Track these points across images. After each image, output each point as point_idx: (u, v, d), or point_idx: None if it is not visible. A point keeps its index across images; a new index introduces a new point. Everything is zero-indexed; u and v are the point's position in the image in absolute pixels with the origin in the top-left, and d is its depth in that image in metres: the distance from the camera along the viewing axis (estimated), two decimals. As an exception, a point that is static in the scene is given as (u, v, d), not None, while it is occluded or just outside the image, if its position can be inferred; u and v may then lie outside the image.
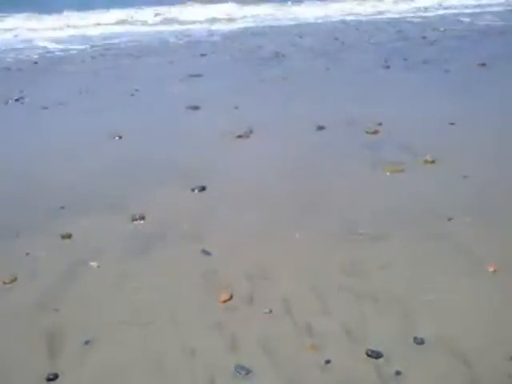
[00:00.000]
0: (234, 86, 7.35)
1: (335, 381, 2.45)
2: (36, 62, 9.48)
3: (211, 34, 12.55)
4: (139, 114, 6.34)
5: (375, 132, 5.35)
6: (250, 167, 4.78)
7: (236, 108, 6.33)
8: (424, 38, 10.56)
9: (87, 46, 11.23)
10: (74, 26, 13.57)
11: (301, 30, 12.45)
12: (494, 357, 2.52)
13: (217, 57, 9.59)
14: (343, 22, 13.52)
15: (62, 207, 4.11)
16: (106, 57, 9.83)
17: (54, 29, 13.07)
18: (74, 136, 5.66)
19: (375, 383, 2.43)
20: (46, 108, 6.64)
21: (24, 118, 6.42)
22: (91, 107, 6.61)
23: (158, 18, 15.45)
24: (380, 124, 5.49)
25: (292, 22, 13.84)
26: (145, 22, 15.02)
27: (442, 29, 11.64)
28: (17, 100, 7.05)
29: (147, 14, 15.97)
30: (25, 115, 6.51)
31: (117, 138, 5.50)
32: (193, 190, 4.31)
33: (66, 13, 15.02)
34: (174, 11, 16.26)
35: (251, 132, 5.51)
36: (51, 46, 11.07)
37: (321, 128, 5.53)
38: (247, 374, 2.49)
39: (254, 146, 5.25)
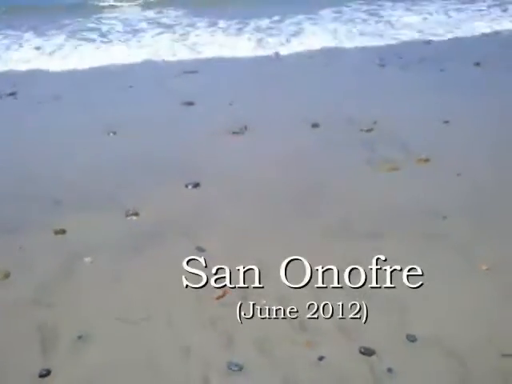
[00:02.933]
0: (228, 83, 7.33)
1: (328, 377, 2.46)
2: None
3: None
4: (133, 110, 6.31)
5: (370, 130, 5.36)
6: (244, 164, 4.77)
7: (230, 104, 6.32)
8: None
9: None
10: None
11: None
12: (486, 354, 2.54)
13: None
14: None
15: (56, 202, 4.10)
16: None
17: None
18: (67, 131, 5.62)
19: (367, 380, 2.45)
20: (39, 103, 6.60)
21: (18, 112, 6.38)
22: (85, 102, 6.56)
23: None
24: (375, 122, 5.50)
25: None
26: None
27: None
28: (10, 94, 7.00)
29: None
30: (18, 110, 6.46)
31: (111, 134, 5.48)
32: (187, 186, 4.30)
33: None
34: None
35: (246, 128, 5.50)
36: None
37: (315, 125, 5.53)
38: (240, 369, 2.50)
39: (249, 142, 5.24)
